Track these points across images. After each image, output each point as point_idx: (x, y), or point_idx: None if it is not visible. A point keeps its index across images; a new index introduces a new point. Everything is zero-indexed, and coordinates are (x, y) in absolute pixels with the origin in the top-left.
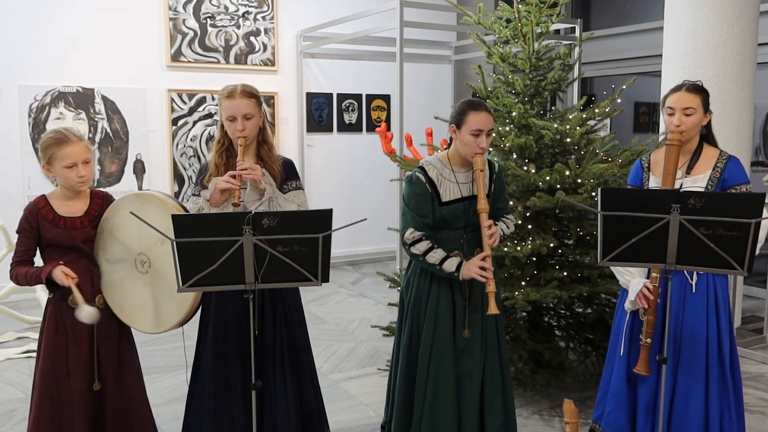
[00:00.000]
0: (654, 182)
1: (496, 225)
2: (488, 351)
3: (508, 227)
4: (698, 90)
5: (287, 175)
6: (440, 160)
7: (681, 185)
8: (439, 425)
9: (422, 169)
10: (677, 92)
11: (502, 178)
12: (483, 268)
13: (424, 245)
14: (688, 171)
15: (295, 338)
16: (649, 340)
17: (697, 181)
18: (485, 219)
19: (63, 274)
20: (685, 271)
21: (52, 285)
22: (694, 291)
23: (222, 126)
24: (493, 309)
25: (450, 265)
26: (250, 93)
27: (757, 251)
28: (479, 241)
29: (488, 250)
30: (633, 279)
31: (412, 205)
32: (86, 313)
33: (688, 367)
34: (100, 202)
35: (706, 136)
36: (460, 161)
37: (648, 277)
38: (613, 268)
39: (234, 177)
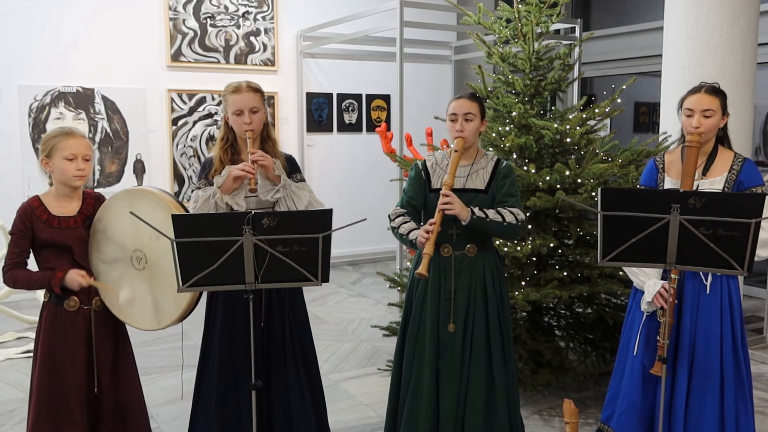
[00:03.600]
0: (669, 183)
1: (484, 210)
2: (473, 348)
3: (503, 215)
4: (717, 92)
5: (291, 169)
6: (443, 153)
7: (697, 187)
8: (417, 421)
9: (425, 159)
10: (696, 94)
11: (506, 174)
12: (428, 230)
13: (400, 219)
14: (705, 173)
15: (303, 339)
16: (667, 341)
17: (714, 183)
18: (446, 189)
19: (80, 277)
20: (701, 273)
21: (49, 288)
22: (708, 292)
23: (226, 123)
24: (421, 269)
25: (414, 234)
26: (256, 88)
27: (759, 257)
28: (471, 235)
29: (437, 216)
30: (649, 280)
31: (406, 187)
32: (124, 297)
33: (702, 368)
34: (93, 203)
35: (722, 139)
36: (464, 154)
37: (663, 278)
38: (627, 270)
39: (254, 162)
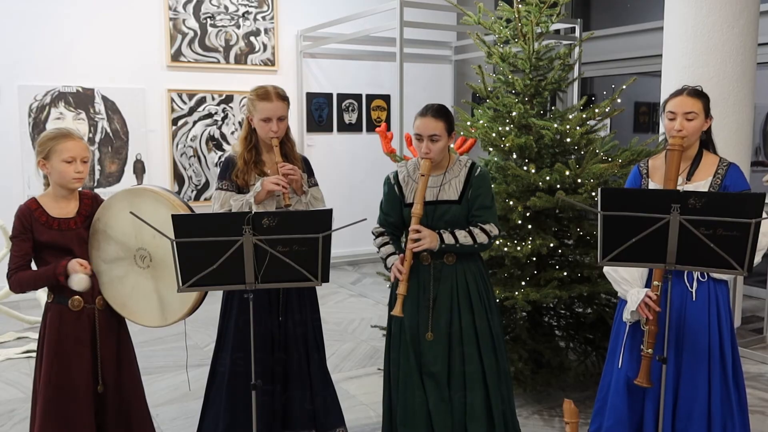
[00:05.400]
0: (653, 188)
1: (455, 233)
2: (466, 357)
3: (474, 236)
4: (699, 95)
5: (307, 172)
6: (414, 163)
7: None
8: (413, 425)
9: (396, 171)
10: (678, 96)
11: (479, 183)
12: (400, 270)
13: (380, 239)
14: (689, 177)
15: (317, 333)
16: (650, 350)
17: (698, 188)
18: (414, 223)
19: (80, 266)
20: (686, 279)
21: (54, 287)
22: (694, 299)
23: (249, 123)
24: (395, 311)
25: (390, 261)
26: (284, 96)
27: (759, 258)
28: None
29: (407, 254)
30: (631, 288)
31: (382, 203)
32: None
33: (690, 376)
34: (90, 203)
35: (706, 143)
36: (434, 166)
37: (647, 285)
38: (609, 278)
39: (284, 176)
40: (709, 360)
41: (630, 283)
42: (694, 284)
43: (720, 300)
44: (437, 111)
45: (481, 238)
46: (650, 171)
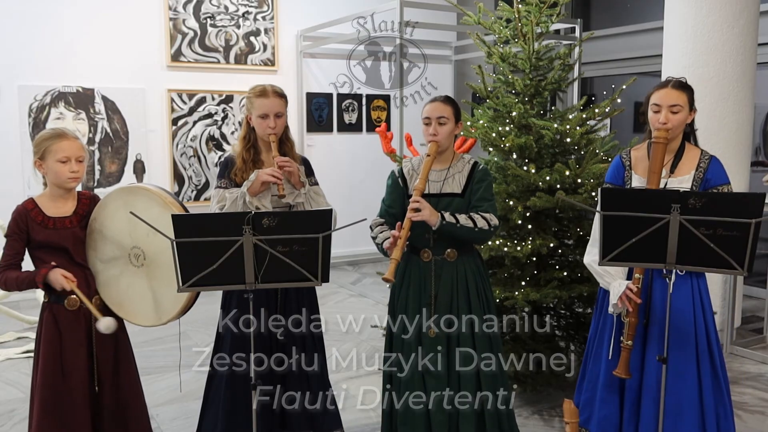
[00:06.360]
0: (637, 181)
1: (455, 215)
2: (463, 358)
3: (475, 221)
4: (684, 87)
5: (307, 172)
6: (419, 159)
7: (665, 185)
8: (413, 426)
9: (402, 166)
10: (663, 89)
11: (481, 177)
12: (396, 237)
13: (379, 228)
14: (672, 170)
15: (316, 331)
16: (630, 342)
17: (682, 182)
18: (416, 195)
19: (63, 278)
20: (665, 272)
21: (47, 288)
22: (671, 291)
23: (248, 123)
24: (387, 275)
25: (387, 243)
26: (281, 93)
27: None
28: (450, 240)
29: (406, 223)
30: (614, 281)
31: (385, 195)
32: (105, 324)
33: (677, 367)
34: (88, 203)
35: (688, 135)
36: (439, 158)
37: (629, 278)
38: (592, 271)
39: (280, 168)
40: (696, 350)
41: (612, 276)
42: (673, 277)
43: (701, 288)
44: (447, 97)
45: (481, 223)
46: (633, 163)
